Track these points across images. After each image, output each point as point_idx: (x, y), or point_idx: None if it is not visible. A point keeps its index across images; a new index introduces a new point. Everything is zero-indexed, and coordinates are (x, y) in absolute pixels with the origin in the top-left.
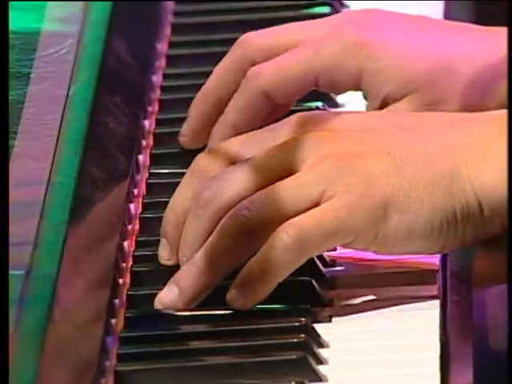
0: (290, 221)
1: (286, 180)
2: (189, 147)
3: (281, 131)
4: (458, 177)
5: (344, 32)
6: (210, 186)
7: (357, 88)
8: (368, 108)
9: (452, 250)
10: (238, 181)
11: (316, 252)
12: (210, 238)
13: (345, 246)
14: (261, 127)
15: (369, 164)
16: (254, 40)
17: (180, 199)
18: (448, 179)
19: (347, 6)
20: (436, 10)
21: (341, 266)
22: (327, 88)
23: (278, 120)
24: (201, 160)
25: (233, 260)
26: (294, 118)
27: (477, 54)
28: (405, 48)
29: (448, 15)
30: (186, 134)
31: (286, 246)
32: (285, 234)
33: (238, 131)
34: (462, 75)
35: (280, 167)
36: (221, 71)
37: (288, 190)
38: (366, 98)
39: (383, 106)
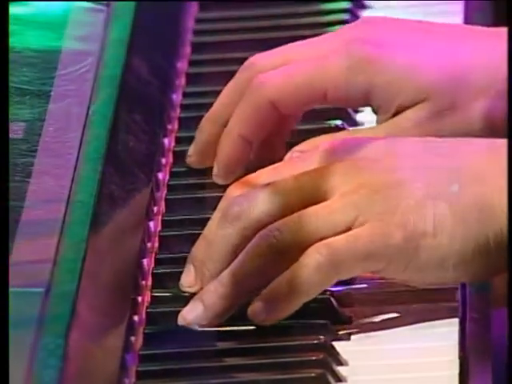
0: (323, 241)
1: (318, 205)
2: (196, 167)
3: (311, 160)
4: (490, 204)
5: (350, 48)
6: (240, 203)
7: (366, 103)
8: (379, 121)
9: (483, 280)
10: (267, 200)
11: (346, 275)
12: (239, 258)
13: (375, 273)
14: (269, 137)
15: (402, 194)
16: (260, 61)
17: (213, 228)
18: (479, 207)
19: None
20: (456, 9)
21: (359, 283)
22: (335, 103)
23: (288, 131)
24: (232, 191)
25: (260, 281)
26: (323, 146)
27: (487, 59)
28: (413, 59)
29: (468, 14)
30: (192, 154)
31: (318, 265)
32: (318, 254)
33: (245, 141)
34: (473, 82)
35: (311, 193)
36: (227, 93)
37: (320, 214)
38: (375, 111)
39: (393, 116)
